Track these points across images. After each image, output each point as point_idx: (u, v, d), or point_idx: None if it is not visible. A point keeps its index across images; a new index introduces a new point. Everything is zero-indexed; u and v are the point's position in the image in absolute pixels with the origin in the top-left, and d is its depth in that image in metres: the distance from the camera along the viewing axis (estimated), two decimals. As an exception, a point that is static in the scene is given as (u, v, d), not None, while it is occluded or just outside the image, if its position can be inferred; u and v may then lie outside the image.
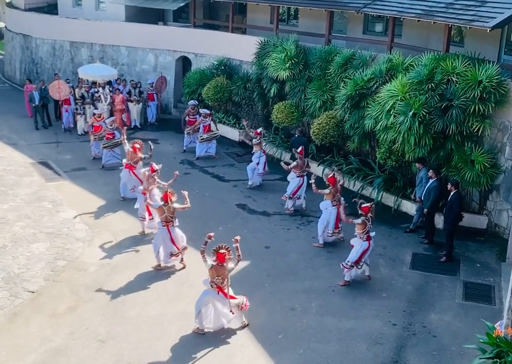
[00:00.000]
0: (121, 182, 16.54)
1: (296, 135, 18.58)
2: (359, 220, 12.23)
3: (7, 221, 15.01)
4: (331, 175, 14.08)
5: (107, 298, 11.89)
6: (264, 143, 18.21)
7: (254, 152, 17.56)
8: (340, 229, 14.18)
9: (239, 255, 10.79)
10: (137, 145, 16.25)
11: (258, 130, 17.72)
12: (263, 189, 17.64)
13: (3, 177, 18.06)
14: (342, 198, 13.96)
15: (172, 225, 12.90)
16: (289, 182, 16.07)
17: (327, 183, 14.01)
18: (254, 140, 17.61)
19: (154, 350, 10.28)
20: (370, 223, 12.26)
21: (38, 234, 14.39)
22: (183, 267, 13.13)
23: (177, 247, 12.93)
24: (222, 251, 10.51)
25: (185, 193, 12.90)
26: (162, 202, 12.80)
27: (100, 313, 11.36)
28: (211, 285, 10.64)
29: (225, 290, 10.66)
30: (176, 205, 12.83)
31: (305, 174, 15.95)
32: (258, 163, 17.45)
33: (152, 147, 16.09)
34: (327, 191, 13.74)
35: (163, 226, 12.88)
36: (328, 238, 14.20)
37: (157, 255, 13.01)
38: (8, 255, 13.34)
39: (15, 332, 10.71)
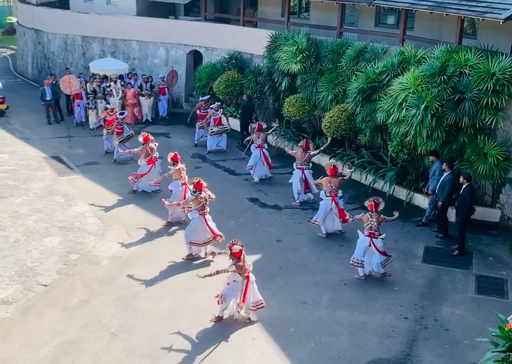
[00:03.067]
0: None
1: (245, 101, 20.57)
2: (360, 215, 12.35)
3: (20, 215, 15.10)
4: (331, 165, 14.33)
5: (119, 291, 11.95)
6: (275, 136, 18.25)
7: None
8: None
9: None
10: (149, 136, 16.47)
11: (258, 125, 17.98)
12: (274, 183, 17.63)
13: (16, 172, 18.17)
14: (340, 191, 14.25)
15: (207, 213, 13.07)
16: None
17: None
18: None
19: (166, 343, 10.32)
20: (373, 220, 12.16)
21: (50, 228, 14.47)
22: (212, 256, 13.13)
23: (214, 233, 13.01)
24: (236, 248, 10.65)
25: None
26: (197, 192, 12.91)
27: (112, 306, 11.42)
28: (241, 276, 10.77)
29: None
30: (208, 192, 13.06)
31: (306, 167, 15.98)
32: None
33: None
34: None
35: (200, 214, 12.99)
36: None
37: (190, 246, 13.13)
38: (21, 248, 13.43)
39: (28, 325, 10.80)
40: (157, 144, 16.76)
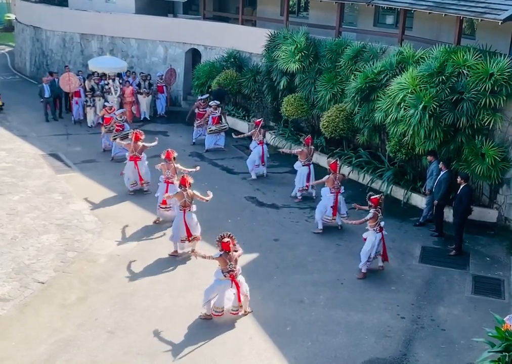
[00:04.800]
0: (125, 176, 16.58)
1: (217, 88, 21.65)
2: (370, 214, 12.23)
3: (18, 212, 15.09)
4: (333, 161, 14.39)
5: (116, 289, 11.95)
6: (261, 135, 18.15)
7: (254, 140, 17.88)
8: (336, 216, 14.45)
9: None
10: (137, 133, 16.34)
11: (258, 120, 18.04)
12: (272, 182, 17.63)
13: (13, 169, 18.15)
14: (342, 187, 14.37)
15: (189, 210, 13.02)
16: (296, 171, 16.31)
17: (328, 169, 14.41)
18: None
19: (162, 341, 10.33)
20: (381, 214, 12.27)
21: (48, 226, 14.46)
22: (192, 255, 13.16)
23: (188, 233, 13.00)
24: (226, 239, 10.66)
25: (209, 192, 13.16)
26: (181, 187, 12.93)
27: (109, 304, 11.42)
28: (224, 275, 10.69)
29: (238, 279, 10.76)
30: (195, 191, 12.99)
31: (311, 162, 16.14)
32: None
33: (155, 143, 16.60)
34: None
35: (180, 210, 13.05)
36: (325, 223, 14.50)
37: (175, 242, 13.20)
38: (18, 246, 13.42)
39: (25, 323, 10.78)
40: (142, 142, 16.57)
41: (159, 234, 14.27)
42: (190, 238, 13.07)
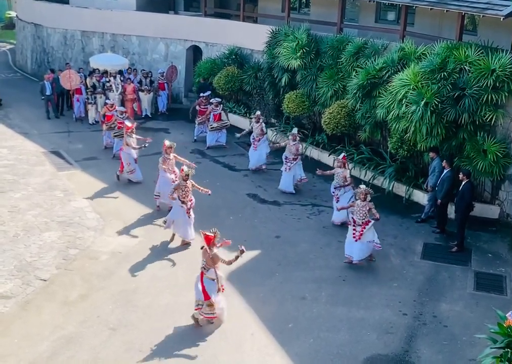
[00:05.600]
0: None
1: (201, 81, 22.80)
2: (371, 204, 12.38)
3: (19, 210, 15.09)
4: (342, 155, 14.47)
5: (118, 286, 11.96)
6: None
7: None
8: None
9: (237, 256, 10.58)
10: (127, 126, 16.90)
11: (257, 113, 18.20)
12: (273, 179, 17.59)
13: (15, 166, 18.15)
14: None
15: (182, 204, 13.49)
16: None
17: (340, 165, 14.41)
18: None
19: (164, 338, 10.33)
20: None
21: (50, 223, 14.47)
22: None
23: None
24: (207, 233, 10.56)
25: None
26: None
27: (111, 301, 11.43)
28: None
29: (212, 293, 10.50)
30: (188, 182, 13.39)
31: None
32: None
33: (146, 145, 16.81)
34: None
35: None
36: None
37: (184, 234, 13.56)
38: (20, 243, 13.43)
39: (27, 320, 10.79)
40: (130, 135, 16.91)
41: (160, 231, 14.26)
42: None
